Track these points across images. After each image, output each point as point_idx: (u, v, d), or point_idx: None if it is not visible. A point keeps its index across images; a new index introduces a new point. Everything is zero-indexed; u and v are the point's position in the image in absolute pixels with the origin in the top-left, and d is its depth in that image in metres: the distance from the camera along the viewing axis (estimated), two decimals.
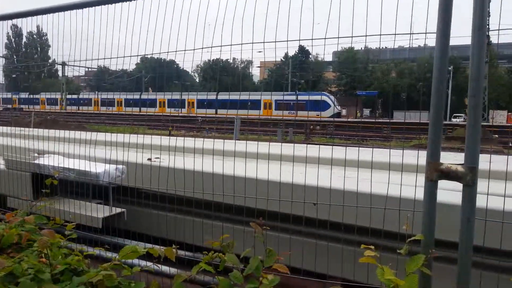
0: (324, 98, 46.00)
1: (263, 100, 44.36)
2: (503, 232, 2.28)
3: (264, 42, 3.12)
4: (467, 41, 2.27)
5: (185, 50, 3.58)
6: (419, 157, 2.43)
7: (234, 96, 31.75)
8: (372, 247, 2.03)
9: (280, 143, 5.72)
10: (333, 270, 2.73)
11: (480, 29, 2.15)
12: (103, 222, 4.11)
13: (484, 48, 2.15)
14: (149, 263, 2.74)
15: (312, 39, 3.04)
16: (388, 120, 37.39)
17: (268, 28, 3.00)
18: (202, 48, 3.57)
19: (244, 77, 72.69)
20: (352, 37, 2.95)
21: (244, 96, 34.32)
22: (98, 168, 4.40)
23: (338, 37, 2.88)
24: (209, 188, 3.13)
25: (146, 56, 4.51)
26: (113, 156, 4.40)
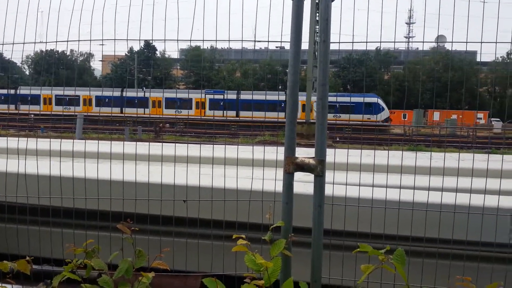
0: (378, 100, 38.52)
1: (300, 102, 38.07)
2: (346, 215, 2.70)
3: (102, 39, 3.04)
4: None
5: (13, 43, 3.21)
6: (269, 153, 2.69)
7: (252, 96, 26.80)
8: (244, 236, 2.19)
9: (146, 143, 5.55)
10: (203, 267, 2.82)
11: (325, 41, 2.49)
12: None
13: (328, 58, 2.50)
14: None
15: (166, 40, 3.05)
16: (236, 118, 39.27)
17: (108, 22, 2.88)
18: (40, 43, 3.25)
19: (84, 71, 67.25)
20: (203, 40, 3.06)
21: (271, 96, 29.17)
22: None
23: (191, 40, 2.98)
24: (68, 193, 2.88)
25: None
26: None
